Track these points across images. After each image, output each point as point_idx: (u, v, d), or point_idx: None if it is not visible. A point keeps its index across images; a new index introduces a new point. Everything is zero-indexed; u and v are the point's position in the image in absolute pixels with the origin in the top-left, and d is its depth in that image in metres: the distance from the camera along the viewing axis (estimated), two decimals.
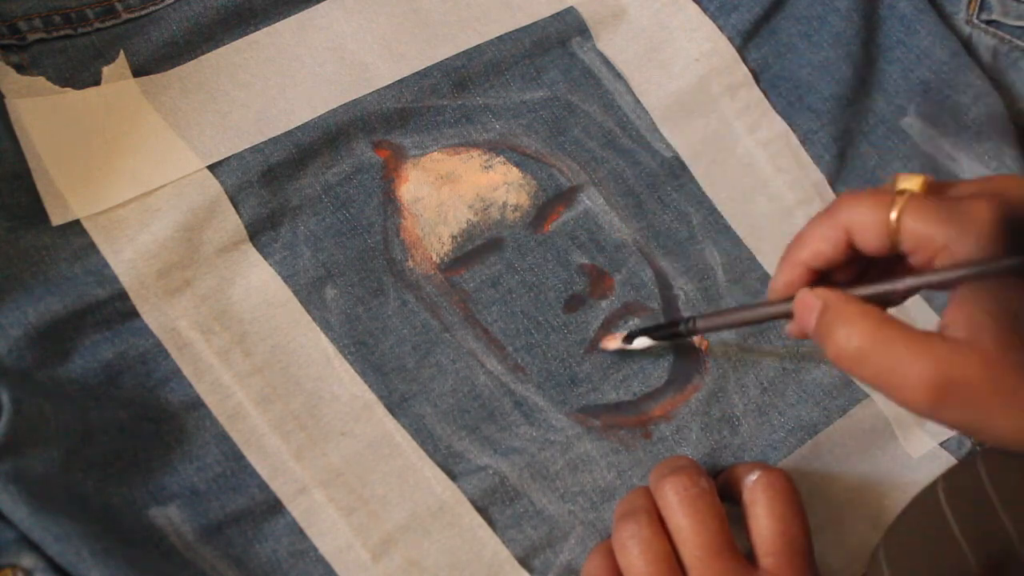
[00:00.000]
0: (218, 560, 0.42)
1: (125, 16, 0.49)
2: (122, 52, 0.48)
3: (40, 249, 0.44)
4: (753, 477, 0.43)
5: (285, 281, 0.46)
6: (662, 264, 0.51)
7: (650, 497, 0.44)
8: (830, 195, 0.53)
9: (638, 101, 0.53)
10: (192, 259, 0.45)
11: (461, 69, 0.51)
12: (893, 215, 0.37)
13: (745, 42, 0.55)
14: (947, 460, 0.49)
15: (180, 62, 0.49)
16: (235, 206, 0.47)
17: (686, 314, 0.50)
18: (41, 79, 0.46)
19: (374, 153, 0.50)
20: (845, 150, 0.54)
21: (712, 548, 0.41)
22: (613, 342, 0.48)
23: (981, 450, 0.49)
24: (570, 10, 0.54)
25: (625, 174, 0.52)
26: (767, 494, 0.43)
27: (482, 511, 0.45)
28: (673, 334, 0.47)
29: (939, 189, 0.39)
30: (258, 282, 0.46)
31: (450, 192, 0.50)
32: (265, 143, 0.48)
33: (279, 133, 0.48)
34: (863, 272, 0.41)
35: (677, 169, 0.53)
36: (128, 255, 0.44)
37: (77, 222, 0.44)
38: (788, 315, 0.40)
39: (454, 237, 0.49)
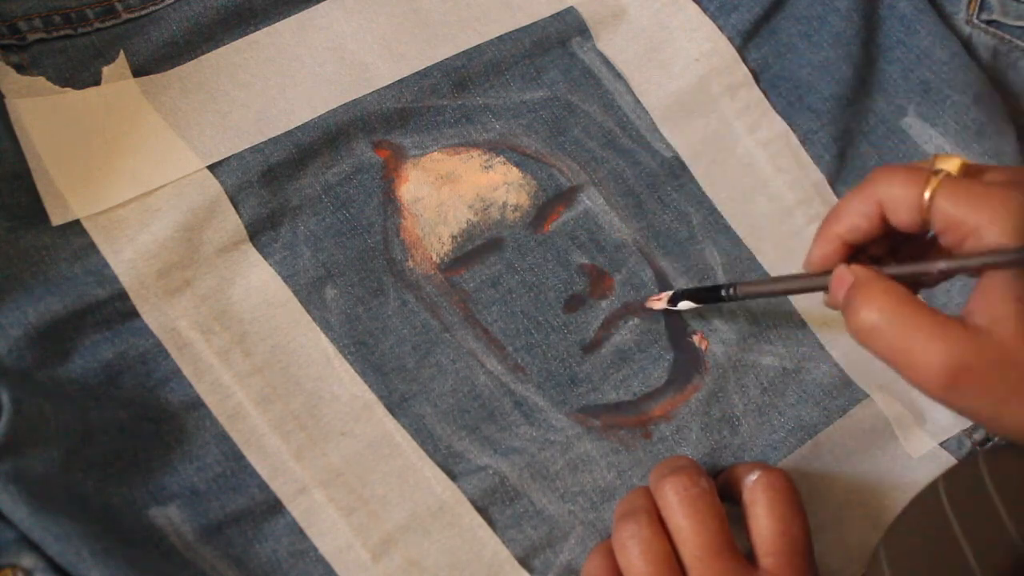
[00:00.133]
0: (218, 560, 0.42)
1: (125, 16, 0.49)
2: (122, 52, 0.48)
3: (40, 249, 0.44)
4: (753, 477, 0.43)
5: (285, 281, 0.46)
6: (662, 264, 0.51)
7: (650, 497, 0.44)
8: (830, 195, 0.53)
9: (638, 101, 0.53)
10: (192, 259, 0.45)
11: (461, 69, 0.51)
12: (927, 194, 0.37)
13: (745, 42, 0.55)
14: (947, 460, 0.49)
15: (180, 62, 0.49)
16: (235, 206, 0.46)
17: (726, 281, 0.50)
18: (41, 79, 0.46)
19: (374, 153, 0.50)
20: (845, 150, 0.54)
21: (712, 548, 0.41)
22: (659, 303, 0.49)
23: (983, 450, 0.49)
24: (570, 10, 0.54)
25: (625, 174, 0.52)
26: (767, 494, 0.43)
27: (482, 511, 0.45)
28: (716, 298, 0.47)
29: (974, 173, 0.39)
30: (258, 282, 0.46)
31: (450, 192, 0.50)
32: (265, 143, 0.48)
33: (279, 133, 0.48)
34: (896, 247, 0.41)
35: (677, 169, 0.53)
36: (128, 255, 0.44)
37: (77, 222, 0.44)
38: (824, 288, 0.41)
39: (454, 237, 0.49)
